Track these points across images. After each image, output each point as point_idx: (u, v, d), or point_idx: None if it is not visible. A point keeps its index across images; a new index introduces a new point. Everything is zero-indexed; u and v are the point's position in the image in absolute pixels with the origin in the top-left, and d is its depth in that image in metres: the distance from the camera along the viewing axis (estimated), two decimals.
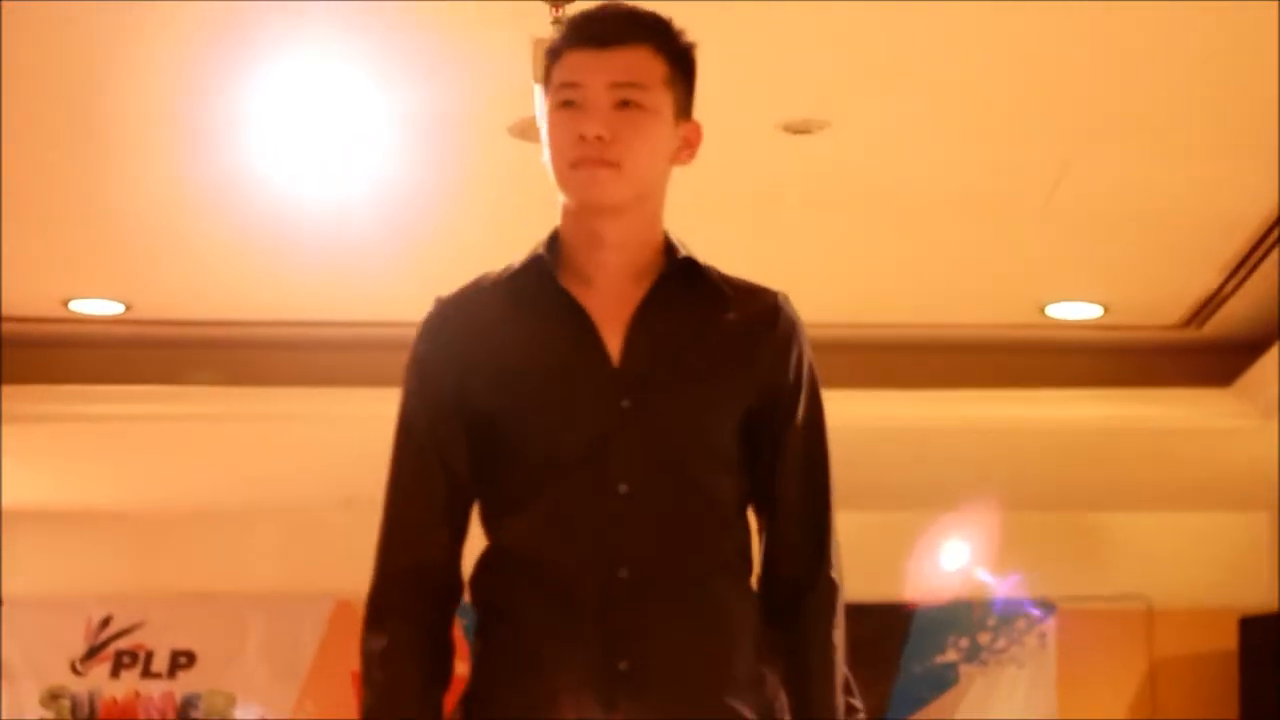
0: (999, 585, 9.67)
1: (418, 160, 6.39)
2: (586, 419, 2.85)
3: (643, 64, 2.87)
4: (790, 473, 2.95)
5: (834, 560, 2.96)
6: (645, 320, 2.89)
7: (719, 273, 2.97)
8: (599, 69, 2.85)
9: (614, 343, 2.88)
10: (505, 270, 2.96)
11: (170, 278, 7.55)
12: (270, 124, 6.05)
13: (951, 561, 9.34)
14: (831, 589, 2.94)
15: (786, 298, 2.99)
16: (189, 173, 6.43)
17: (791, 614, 2.92)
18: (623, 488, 2.83)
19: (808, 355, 2.97)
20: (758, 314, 2.95)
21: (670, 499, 2.86)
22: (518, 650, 2.85)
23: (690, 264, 2.93)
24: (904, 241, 7.18)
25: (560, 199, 2.92)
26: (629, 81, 2.85)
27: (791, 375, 2.94)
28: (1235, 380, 8.05)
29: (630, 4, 2.95)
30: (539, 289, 2.91)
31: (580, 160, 2.84)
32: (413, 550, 2.91)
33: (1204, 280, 7.57)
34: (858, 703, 2.98)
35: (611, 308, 2.90)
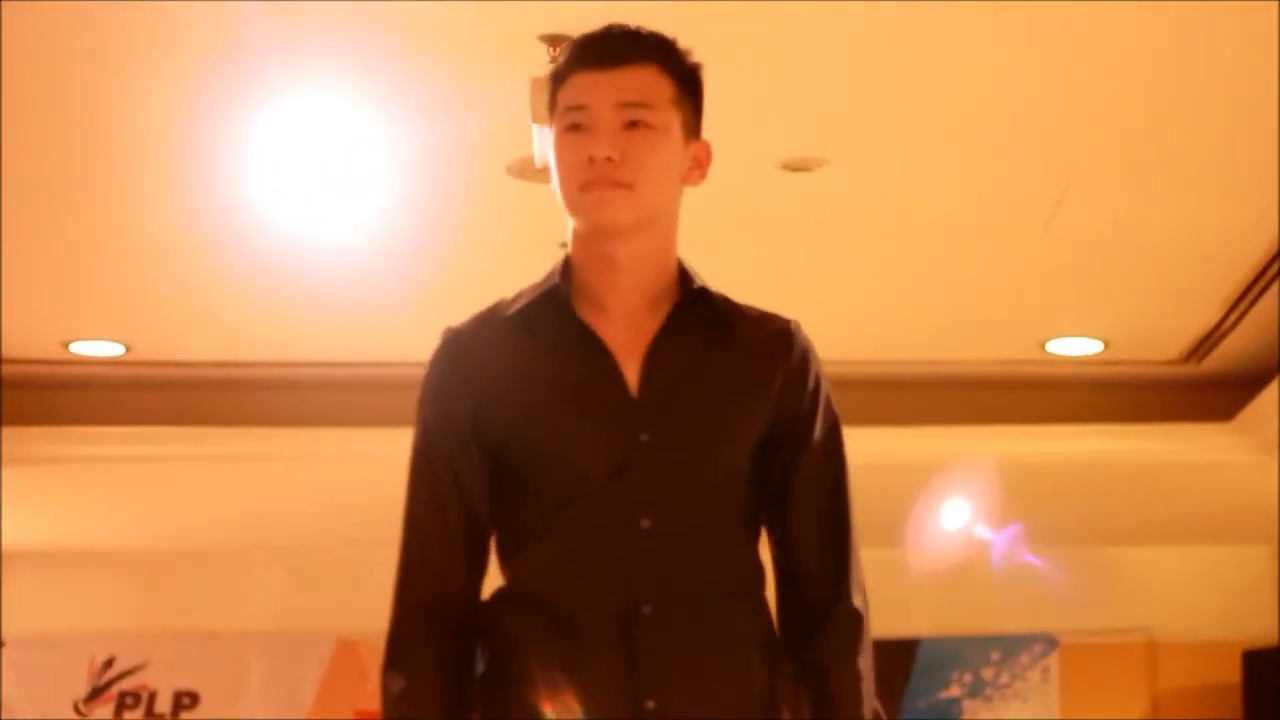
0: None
1: (417, 199, 6.39)
2: (605, 453, 2.82)
3: (650, 83, 2.83)
4: (807, 495, 2.92)
5: (856, 586, 2.91)
6: (661, 351, 2.86)
7: (731, 301, 2.94)
8: (606, 89, 2.82)
9: (631, 374, 2.85)
10: (518, 298, 2.92)
11: (170, 319, 7.55)
12: (270, 164, 6.05)
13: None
14: (853, 616, 2.89)
15: (798, 325, 2.97)
16: (188, 213, 6.43)
17: (813, 642, 2.88)
18: (645, 523, 2.80)
19: (823, 382, 2.95)
20: (771, 342, 2.92)
21: (690, 531, 2.83)
22: (527, 692, 2.79)
23: (704, 293, 2.90)
24: (903, 278, 7.18)
25: (571, 224, 2.88)
26: (636, 101, 2.82)
27: (807, 402, 2.92)
28: (1236, 415, 8.04)
29: (634, 25, 2.90)
30: (555, 319, 2.87)
31: (590, 182, 2.80)
32: (431, 585, 2.86)
33: (1204, 315, 7.57)
34: None
35: (628, 338, 2.86)
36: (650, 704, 2.77)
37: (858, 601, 2.90)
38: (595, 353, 2.86)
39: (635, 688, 2.77)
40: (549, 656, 2.79)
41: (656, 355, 2.86)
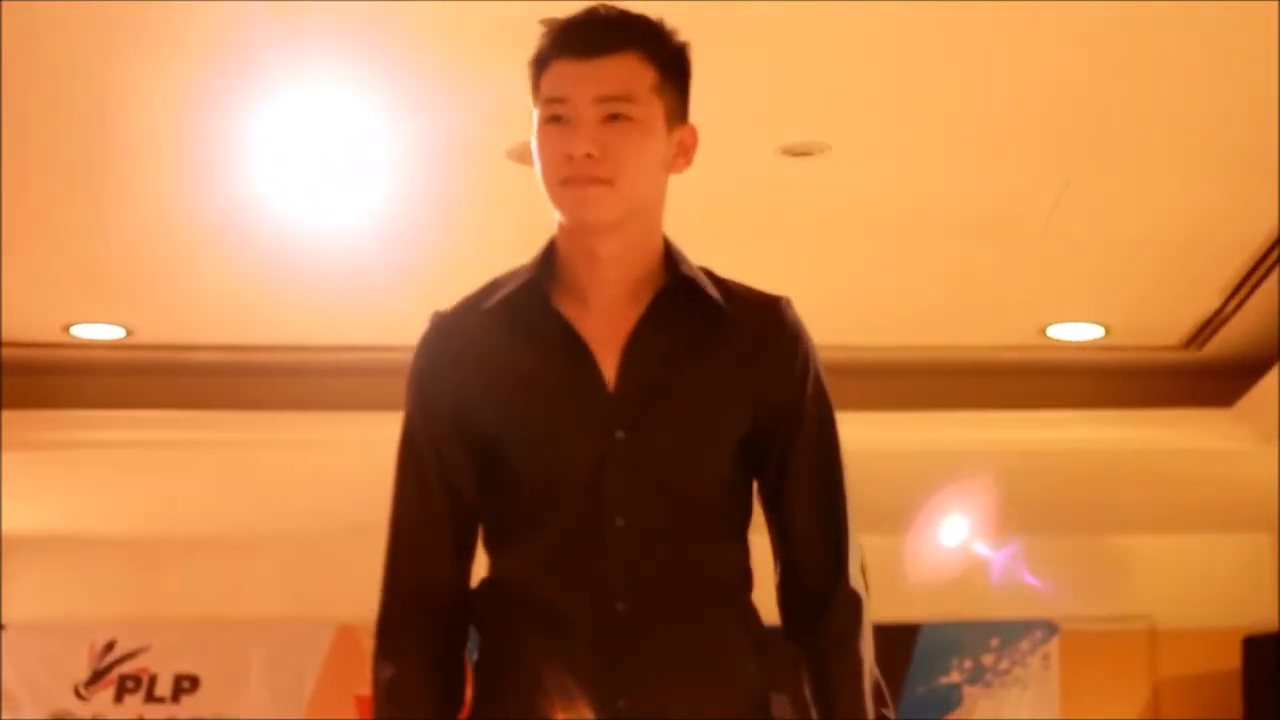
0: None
1: (417, 184, 6.39)
2: (580, 450, 2.79)
3: (630, 73, 2.77)
4: (801, 484, 2.87)
5: (854, 570, 2.87)
6: (641, 343, 2.82)
7: (719, 282, 2.89)
8: (585, 81, 2.75)
9: (609, 367, 2.80)
10: (511, 278, 2.88)
11: (171, 303, 7.55)
12: (270, 151, 6.05)
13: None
14: (853, 600, 2.86)
15: (789, 303, 2.91)
16: (189, 199, 6.43)
17: (813, 628, 2.84)
18: (619, 521, 2.77)
19: (813, 363, 2.89)
20: (758, 328, 2.86)
21: (668, 528, 2.79)
22: (517, 683, 2.79)
23: (687, 279, 2.84)
24: (904, 264, 7.18)
25: (556, 214, 2.84)
26: (616, 94, 2.75)
27: (795, 387, 2.87)
28: (1236, 401, 8.03)
29: (619, 8, 2.84)
30: (534, 311, 2.83)
31: (570, 178, 2.75)
32: (419, 572, 2.85)
33: (1205, 301, 7.57)
34: (890, 713, 2.91)
35: (607, 330, 2.82)
36: (622, 702, 2.75)
37: (857, 586, 2.87)
38: (573, 347, 2.81)
39: (609, 685, 2.76)
40: (536, 649, 2.78)
41: (635, 348, 2.82)
